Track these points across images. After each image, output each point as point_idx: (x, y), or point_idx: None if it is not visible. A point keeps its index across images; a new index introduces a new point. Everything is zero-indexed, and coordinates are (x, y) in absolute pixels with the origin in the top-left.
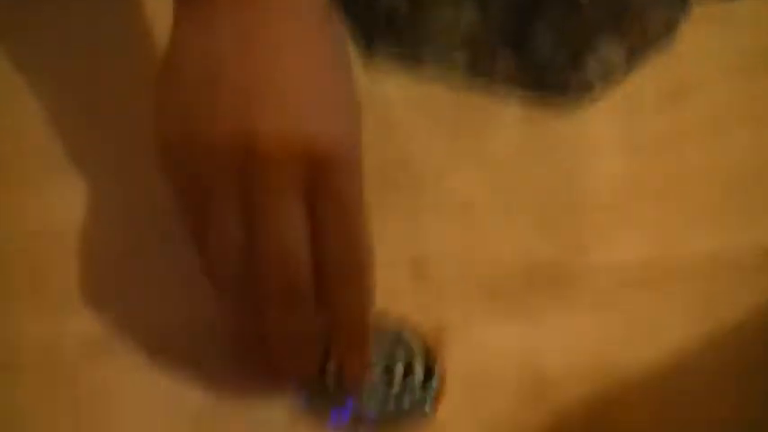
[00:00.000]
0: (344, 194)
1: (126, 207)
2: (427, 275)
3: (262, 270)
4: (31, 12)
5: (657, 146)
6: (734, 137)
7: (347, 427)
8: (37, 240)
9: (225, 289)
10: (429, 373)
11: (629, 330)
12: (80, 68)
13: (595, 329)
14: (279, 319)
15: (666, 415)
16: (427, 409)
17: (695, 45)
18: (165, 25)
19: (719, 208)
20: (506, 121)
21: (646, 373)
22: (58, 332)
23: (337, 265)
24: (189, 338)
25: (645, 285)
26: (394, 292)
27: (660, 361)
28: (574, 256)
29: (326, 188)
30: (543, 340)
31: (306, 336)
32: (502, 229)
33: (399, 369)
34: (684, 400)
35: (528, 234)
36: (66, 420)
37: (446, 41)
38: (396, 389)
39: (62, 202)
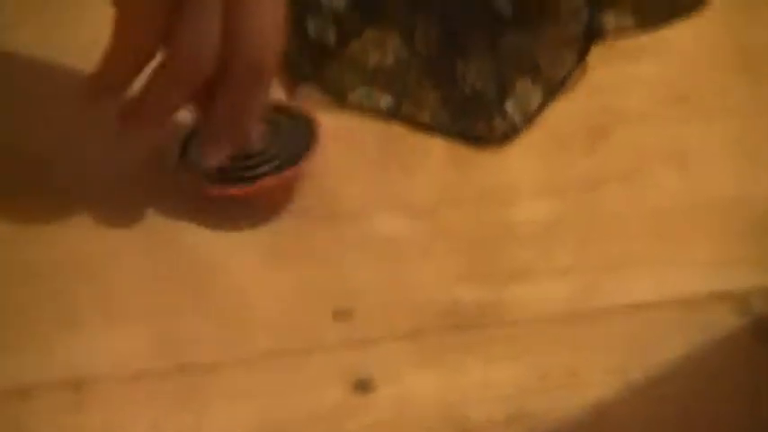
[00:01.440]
0: None
1: None
2: (351, 317)
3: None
4: None
5: (580, 187)
6: (658, 178)
7: None
8: None
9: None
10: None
11: (547, 379)
12: None
13: (515, 377)
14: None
15: None
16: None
17: (614, 81)
18: None
19: (641, 252)
20: (432, 161)
21: (564, 423)
22: None
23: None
24: None
25: (565, 332)
26: (316, 334)
27: (580, 410)
28: (495, 301)
29: None
30: (464, 388)
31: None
32: (425, 271)
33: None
34: None
35: (450, 276)
36: None
37: (371, 84)
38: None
39: None
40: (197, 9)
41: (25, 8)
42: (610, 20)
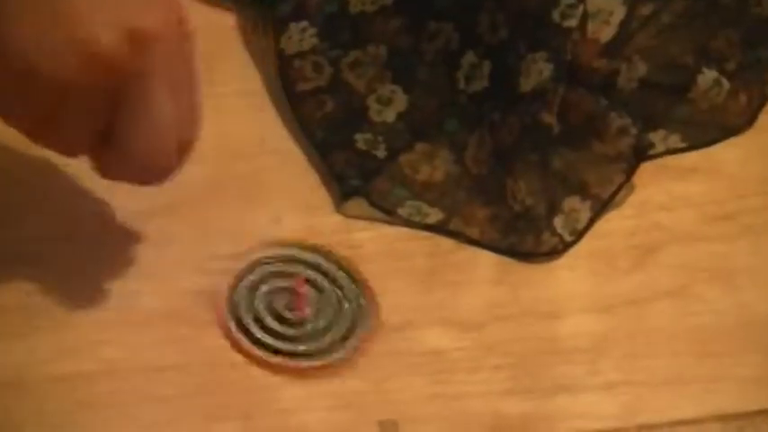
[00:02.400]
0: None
1: None
2: (397, 429)
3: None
4: None
5: (627, 303)
6: (704, 295)
7: None
8: None
9: None
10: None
11: None
12: None
13: None
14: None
15: None
16: None
17: (663, 199)
18: None
19: (687, 369)
20: (480, 275)
21: None
22: None
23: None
24: None
25: None
26: None
27: None
28: (540, 415)
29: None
30: None
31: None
32: (471, 385)
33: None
34: None
35: (497, 390)
36: None
37: (420, 198)
38: None
39: None
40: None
41: None
42: (658, 139)
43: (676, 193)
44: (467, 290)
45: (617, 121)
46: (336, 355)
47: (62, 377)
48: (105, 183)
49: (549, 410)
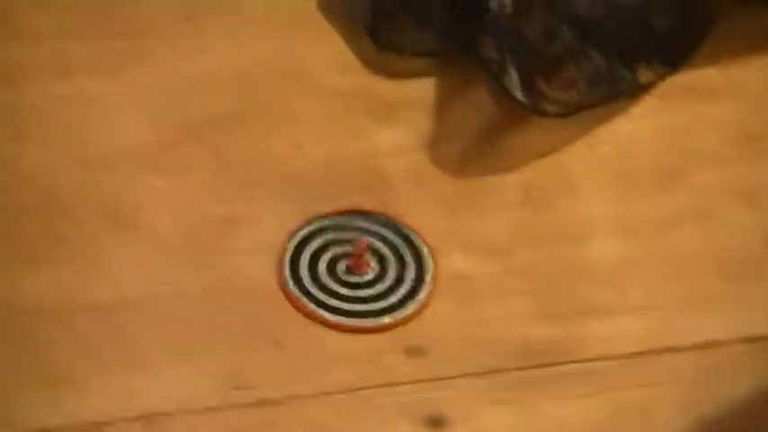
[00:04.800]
0: None
1: None
2: (424, 355)
3: None
4: None
5: (654, 226)
6: (731, 217)
7: None
8: None
9: None
10: None
11: (620, 416)
12: None
13: (588, 414)
14: None
15: None
16: None
17: (687, 122)
18: None
19: (713, 291)
20: (505, 200)
21: None
22: None
23: None
24: None
25: (637, 370)
26: (390, 372)
27: None
28: (567, 339)
29: None
30: (538, 426)
31: None
32: (498, 309)
33: None
34: None
35: (524, 315)
36: None
37: None
38: None
39: None
40: None
41: None
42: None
43: (700, 115)
44: (492, 214)
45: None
46: None
47: (97, 305)
48: (120, 112)
49: (576, 334)
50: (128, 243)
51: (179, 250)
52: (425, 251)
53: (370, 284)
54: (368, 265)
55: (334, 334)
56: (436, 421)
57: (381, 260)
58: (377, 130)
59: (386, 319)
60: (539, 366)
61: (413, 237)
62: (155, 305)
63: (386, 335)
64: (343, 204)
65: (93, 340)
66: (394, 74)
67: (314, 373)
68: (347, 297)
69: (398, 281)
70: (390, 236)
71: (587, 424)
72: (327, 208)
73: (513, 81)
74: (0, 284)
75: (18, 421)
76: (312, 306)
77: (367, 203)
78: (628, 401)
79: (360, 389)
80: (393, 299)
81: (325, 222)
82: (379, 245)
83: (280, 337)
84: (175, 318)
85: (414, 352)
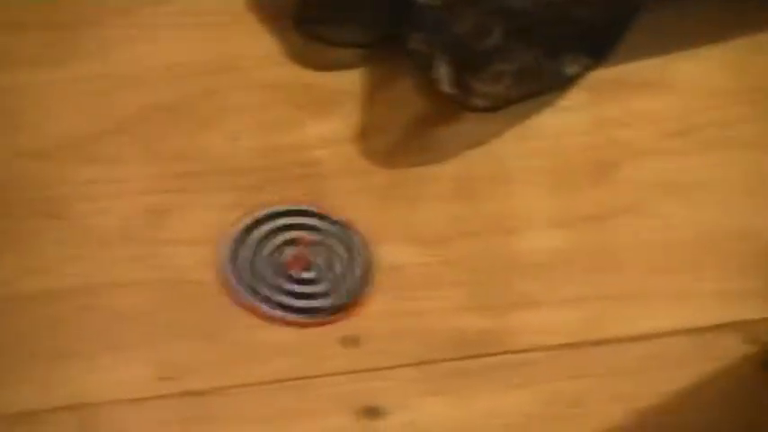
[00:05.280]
0: None
1: None
2: (358, 345)
3: None
4: None
5: (587, 219)
6: (663, 210)
7: None
8: None
9: None
10: None
11: (553, 407)
12: None
13: (521, 405)
14: None
15: None
16: None
17: (620, 115)
18: None
19: (646, 284)
20: (439, 191)
21: None
22: None
23: None
24: None
25: (571, 361)
26: (324, 361)
27: None
28: (500, 330)
29: None
30: (471, 417)
31: None
32: (431, 300)
33: None
34: None
35: (457, 306)
36: None
37: None
38: None
39: None
40: None
41: None
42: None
43: (633, 109)
44: (425, 206)
45: None
46: None
47: (30, 295)
48: (55, 104)
49: (508, 326)
50: (60, 233)
51: (112, 241)
52: (360, 243)
53: (309, 279)
54: (307, 259)
55: (269, 326)
56: (371, 411)
57: (320, 253)
58: (309, 122)
59: (323, 312)
60: (472, 357)
61: (349, 230)
62: (87, 296)
63: (322, 326)
64: (277, 196)
65: (23, 330)
66: (323, 66)
67: (247, 365)
68: (286, 290)
69: (336, 274)
70: (328, 228)
71: (521, 414)
72: (262, 199)
73: (442, 74)
74: None
75: None
76: (249, 298)
77: (300, 195)
78: (561, 392)
79: (293, 379)
80: (331, 292)
81: (265, 212)
82: (318, 237)
83: (213, 329)
84: (107, 308)
85: (348, 342)
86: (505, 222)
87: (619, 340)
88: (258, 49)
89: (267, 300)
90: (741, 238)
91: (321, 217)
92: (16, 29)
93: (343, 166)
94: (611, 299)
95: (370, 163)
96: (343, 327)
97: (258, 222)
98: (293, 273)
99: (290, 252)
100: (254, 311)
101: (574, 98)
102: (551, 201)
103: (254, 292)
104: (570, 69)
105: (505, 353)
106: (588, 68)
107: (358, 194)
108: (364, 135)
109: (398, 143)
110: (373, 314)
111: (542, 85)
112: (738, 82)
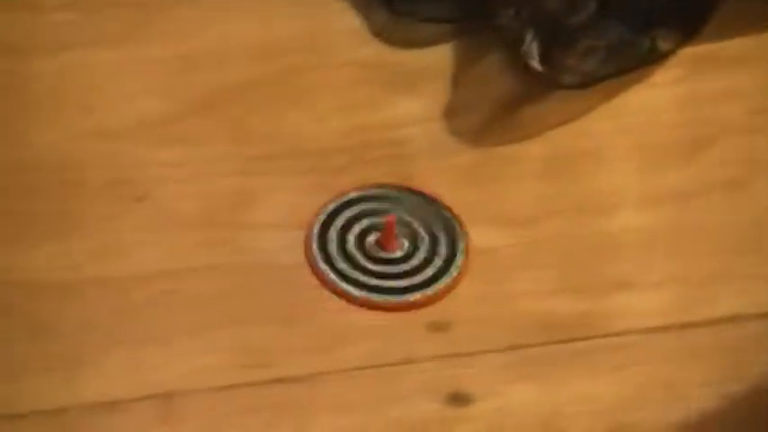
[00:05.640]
0: None
1: None
2: (446, 330)
3: None
4: None
5: (679, 198)
6: (757, 190)
7: None
8: None
9: None
10: None
11: (645, 391)
12: None
13: (613, 390)
14: None
15: None
16: None
17: (713, 92)
18: None
19: (738, 264)
20: (527, 171)
21: None
22: None
23: None
24: None
25: (662, 344)
26: (412, 346)
27: (678, 422)
28: (591, 313)
29: None
30: (562, 401)
31: None
32: (522, 283)
33: None
34: None
35: (547, 288)
36: None
37: None
38: None
39: None
40: None
41: None
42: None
43: (725, 84)
44: (514, 186)
45: None
46: None
47: (102, 281)
48: (130, 83)
49: (601, 309)
50: (140, 217)
51: (194, 224)
52: (448, 224)
53: (399, 260)
54: (397, 241)
55: (356, 309)
56: (459, 398)
57: (412, 235)
58: (396, 101)
59: (413, 296)
60: (562, 340)
61: (443, 211)
62: (169, 281)
63: (408, 311)
64: (364, 176)
65: (104, 317)
66: (410, 43)
67: (333, 350)
68: (376, 272)
69: (429, 256)
70: (415, 209)
71: (612, 399)
72: (349, 180)
73: (531, 50)
74: (9, 260)
75: (25, 402)
76: (338, 281)
77: (388, 175)
78: (652, 376)
79: (381, 365)
80: (423, 275)
81: (353, 195)
82: (409, 219)
83: (299, 313)
84: (192, 294)
85: (436, 328)
86: (595, 201)
87: (709, 322)
88: (344, 26)
89: (355, 282)
90: None
91: (409, 197)
92: (84, 8)
93: (430, 146)
94: (702, 280)
95: (458, 141)
96: (431, 312)
97: (345, 204)
98: (381, 254)
99: (377, 234)
100: (340, 294)
101: (665, 74)
102: (642, 179)
103: (342, 276)
104: (662, 45)
105: (597, 336)
106: (680, 44)
107: (445, 174)
108: (452, 114)
109: (486, 122)
110: (461, 297)
111: (633, 61)
112: None
